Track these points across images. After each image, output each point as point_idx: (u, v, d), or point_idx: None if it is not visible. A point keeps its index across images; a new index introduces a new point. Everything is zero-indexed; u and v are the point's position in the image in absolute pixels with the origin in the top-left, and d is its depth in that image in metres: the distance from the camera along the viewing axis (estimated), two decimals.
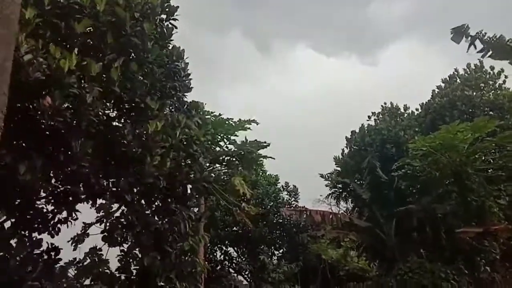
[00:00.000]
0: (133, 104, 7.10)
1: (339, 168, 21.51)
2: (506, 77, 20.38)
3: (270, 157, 16.96)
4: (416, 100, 31.90)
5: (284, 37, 66.93)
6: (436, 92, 22.12)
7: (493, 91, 20.37)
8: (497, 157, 17.08)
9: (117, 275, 8.76)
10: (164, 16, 8.34)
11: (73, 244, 10.21)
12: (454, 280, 14.41)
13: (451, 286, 14.12)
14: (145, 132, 6.83)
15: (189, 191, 8.58)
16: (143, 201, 8.15)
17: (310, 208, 24.77)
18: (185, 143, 8.11)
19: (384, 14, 58.10)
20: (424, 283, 14.44)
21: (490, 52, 9.98)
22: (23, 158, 5.86)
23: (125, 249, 8.55)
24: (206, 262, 18.39)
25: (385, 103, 23.08)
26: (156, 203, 8.49)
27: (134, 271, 8.63)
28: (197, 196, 9.40)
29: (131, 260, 8.48)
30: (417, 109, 22.64)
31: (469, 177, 15.82)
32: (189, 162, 8.35)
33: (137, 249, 8.57)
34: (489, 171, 16.74)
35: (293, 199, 24.65)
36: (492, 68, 21.06)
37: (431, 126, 18.76)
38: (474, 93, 20.25)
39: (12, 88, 3.32)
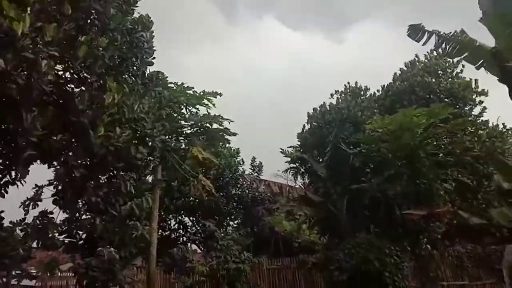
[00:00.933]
0: (91, 81, 6.84)
1: (299, 144, 21.86)
2: (463, 66, 21.17)
3: (234, 133, 16.93)
4: (378, 81, 32.69)
5: (251, 5, 65.48)
6: (398, 76, 22.67)
7: (450, 79, 21.15)
8: (447, 143, 17.98)
9: (61, 239, 8.67)
10: None
11: (25, 208, 9.95)
12: (397, 256, 15.30)
13: (394, 261, 14.99)
14: (99, 104, 6.63)
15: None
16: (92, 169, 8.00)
17: (269, 180, 25.36)
18: (142, 116, 7.97)
19: None
20: (370, 257, 15.23)
21: (445, 48, 10.33)
22: None
23: (73, 213, 8.44)
24: (160, 231, 18.59)
25: (348, 83, 23.41)
26: (106, 173, 8.36)
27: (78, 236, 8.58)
28: (152, 166, 9.36)
29: (77, 224, 8.39)
30: (378, 91, 23.18)
31: (420, 161, 16.58)
32: (144, 134, 8.25)
33: (85, 214, 8.49)
34: (439, 155, 17.60)
35: (256, 174, 24.99)
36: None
37: (390, 109, 19.33)
38: (433, 80, 20.94)
39: None
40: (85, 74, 7.23)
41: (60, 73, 6.98)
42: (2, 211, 8.09)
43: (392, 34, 57.18)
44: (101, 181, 8.47)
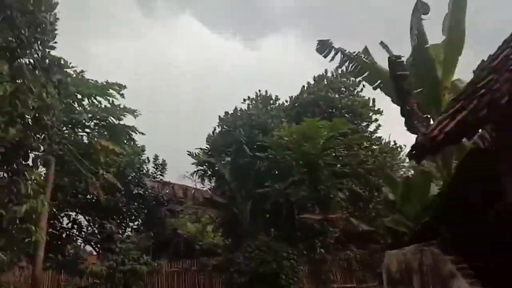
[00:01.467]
0: None
1: (208, 146, 21.86)
2: (364, 86, 23.07)
3: (141, 133, 16.28)
4: (287, 91, 34.10)
5: (170, 1, 64.12)
6: (305, 88, 23.93)
7: (351, 97, 22.93)
8: (344, 155, 19.40)
9: None
10: None
11: None
12: (293, 259, 16.05)
13: (290, 264, 15.68)
14: None
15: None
16: None
17: (174, 183, 24.83)
18: (37, 108, 7.26)
19: (272, 3, 59.93)
20: (269, 259, 15.73)
21: (348, 66, 11.13)
22: None
23: None
24: (50, 229, 17.09)
25: (259, 91, 24.17)
26: None
27: None
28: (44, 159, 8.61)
29: None
30: (286, 101, 24.25)
31: (320, 169, 17.67)
32: (39, 130, 7.56)
33: None
34: (337, 166, 18.91)
35: (159, 172, 24.27)
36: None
37: (296, 119, 20.30)
38: (336, 96, 22.54)
39: None
40: None
41: None
42: None
43: (304, 47, 60.13)
44: None
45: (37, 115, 7.70)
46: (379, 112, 22.92)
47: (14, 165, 7.86)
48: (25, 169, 8.04)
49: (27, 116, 7.36)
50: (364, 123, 22.79)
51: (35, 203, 7.96)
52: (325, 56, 11.45)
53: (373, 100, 22.86)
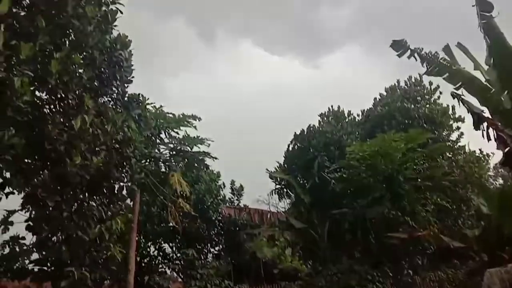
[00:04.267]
0: (69, 99, 6.62)
1: (283, 165, 21.92)
2: (440, 93, 21.75)
3: (214, 157, 16.75)
4: (353, 106, 33.18)
5: (229, 29, 66.28)
6: (378, 101, 23.13)
7: (428, 105, 21.66)
8: (425, 168, 18.20)
9: (31, 267, 8.23)
10: None
11: None
12: (379, 282, 15.17)
13: (376, 287, 14.82)
14: (72, 129, 6.41)
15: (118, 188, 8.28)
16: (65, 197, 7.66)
17: (250, 207, 25.02)
18: (119, 141, 7.74)
19: (330, 19, 59.48)
20: (352, 284, 15.04)
21: (426, 67, 10.55)
22: None
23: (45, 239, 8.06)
24: (139, 257, 18.00)
25: (332, 106, 23.81)
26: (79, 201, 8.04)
27: (49, 262, 8.17)
28: (128, 192, 9.09)
29: (48, 251, 8.01)
30: (358, 115, 23.58)
31: (400, 185, 16.72)
32: (121, 160, 8.04)
33: (54, 238, 8.12)
34: (418, 180, 17.78)
35: (236, 197, 24.64)
36: (430, 83, 22.37)
37: (370, 133, 19.59)
38: (412, 106, 21.41)
39: None
40: (61, 94, 7.01)
41: (37, 93, 6.75)
42: None
43: (366, 61, 58.53)
44: (73, 205, 8.11)
45: (118, 147, 8.18)
46: (460, 119, 21.35)
47: (99, 193, 8.35)
48: (110, 197, 8.52)
49: (109, 146, 7.83)
50: (445, 132, 21.31)
51: (109, 224, 8.37)
52: (400, 56, 10.93)
53: (453, 107, 21.41)
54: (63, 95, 6.93)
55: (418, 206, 16.65)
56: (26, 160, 6.98)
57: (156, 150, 15.24)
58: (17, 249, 8.89)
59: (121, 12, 7.91)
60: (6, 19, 5.41)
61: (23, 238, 8.88)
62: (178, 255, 21.22)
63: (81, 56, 6.95)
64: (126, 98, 9.61)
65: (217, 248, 23.29)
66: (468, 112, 8.82)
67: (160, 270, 20.35)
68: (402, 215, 16.35)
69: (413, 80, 22.94)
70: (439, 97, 22.05)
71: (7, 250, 9.07)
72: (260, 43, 73.87)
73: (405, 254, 16.35)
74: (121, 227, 8.30)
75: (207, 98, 50.80)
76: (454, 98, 9.70)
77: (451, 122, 21.41)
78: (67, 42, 6.91)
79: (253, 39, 70.27)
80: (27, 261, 8.77)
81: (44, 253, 7.93)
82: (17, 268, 8.63)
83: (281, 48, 71.11)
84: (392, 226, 16.33)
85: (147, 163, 14.50)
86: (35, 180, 6.88)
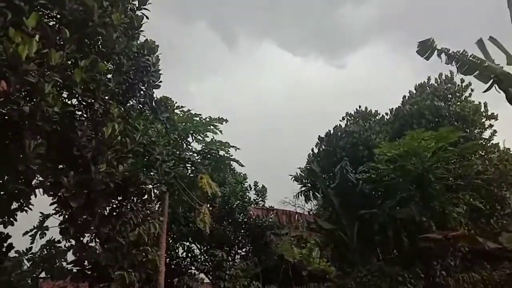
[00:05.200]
0: (95, 107, 6.75)
1: (309, 166, 21.77)
2: (472, 90, 21.05)
3: (240, 163, 16.80)
4: (380, 105, 32.57)
5: (251, 32, 66.29)
6: (406, 99, 22.62)
7: (459, 103, 20.99)
8: (457, 167, 17.65)
9: (69, 268, 8.48)
10: (136, 3, 8.01)
11: (30, 236, 9.85)
12: (410, 284, 14.82)
13: None
14: (100, 135, 6.55)
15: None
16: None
17: (277, 208, 24.97)
18: (146, 146, 7.88)
19: (353, 17, 58.57)
20: (383, 286, 14.77)
21: (455, 65, 10.26)
22: None
23: (81, 242, 8.30)
24: (168, 259, 18.27)
25: (359, 106, 23.51)
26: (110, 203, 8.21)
27: (86, 263, 8.41)
28: (156, 195, 9.25)
29: (85, 254, 8.25)
30: (386, 114, 23.16)
31: (430, 184, 16.29)
32: (150, 165, 8.18)
33: (92, 242, 8.34)
34: (449, 179, 17.27)
35: (260, 198, 24.66)
36: (462, 80, 21.62)
37: (399, 132, 19.13)
38: (442, 104, 20.80)
39: None
40: (89, 101, 7.18)
41: (66, 100, 6.94)
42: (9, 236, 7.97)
43: (392, 59, 57.27)
44: (106, 209, 8.32)
45: (145, 150, 8.31)
46: (493, 117, 20.60)
47: (127, 198, 8.50)
48: (143, 201, 8.68)
49: (137, 150, 7.95)
50: (477, 130, 20.60)
51: (148, 227, 8.50)
52: (427, 58, 10.71)
53: (485, 104, 20.69)
54: (90, 102, 7.09)
55: (449, 206, 16.15)
56: (49, 165, 7.10)
57: (185, 153, 15.46)
58: (53, 252, 9.23)
59: (147, 18, 8.05)
60: (36, 31, 5.60)
61: (59, 241, 9.19)
62: (206, 256, 21.42)
63: (108, 63, 7.12)
64: (153, 103, 9.76)
65: (244, 250, 23.37)
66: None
67: (189, 271, 20.61)
68: (433, 215, 15.93)
69: (443, 77, 22.33)
70: (470, 95, 21.34)
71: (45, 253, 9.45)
72: (282, 44, 73.53)
73: (437, 255, 15.88)
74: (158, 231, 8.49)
75: (231, 100, 51.15)
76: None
77: (483, 120, 20.67)
78: (94, 50, 7.09)
79: (276, 41, 70.06)
80: (64, 263, 9.09)
81: (78, 255, 8.14)
82: (56, 269, 8.95)
83: (304, 48, 70.65)
84: (423, 227, 15.93)
85: (174, 166, 14.72)
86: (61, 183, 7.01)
